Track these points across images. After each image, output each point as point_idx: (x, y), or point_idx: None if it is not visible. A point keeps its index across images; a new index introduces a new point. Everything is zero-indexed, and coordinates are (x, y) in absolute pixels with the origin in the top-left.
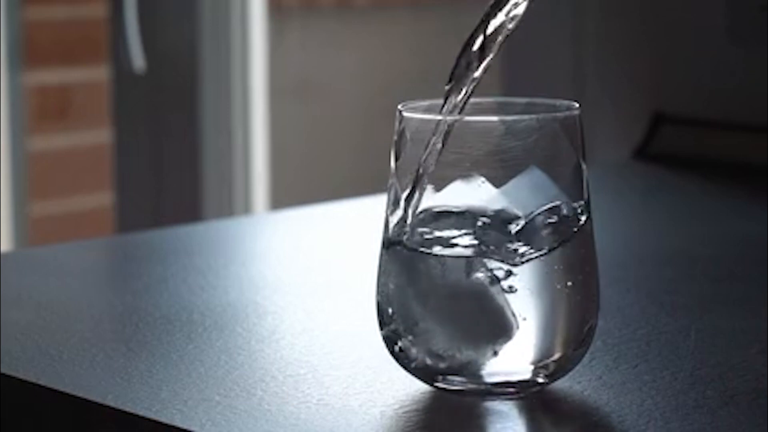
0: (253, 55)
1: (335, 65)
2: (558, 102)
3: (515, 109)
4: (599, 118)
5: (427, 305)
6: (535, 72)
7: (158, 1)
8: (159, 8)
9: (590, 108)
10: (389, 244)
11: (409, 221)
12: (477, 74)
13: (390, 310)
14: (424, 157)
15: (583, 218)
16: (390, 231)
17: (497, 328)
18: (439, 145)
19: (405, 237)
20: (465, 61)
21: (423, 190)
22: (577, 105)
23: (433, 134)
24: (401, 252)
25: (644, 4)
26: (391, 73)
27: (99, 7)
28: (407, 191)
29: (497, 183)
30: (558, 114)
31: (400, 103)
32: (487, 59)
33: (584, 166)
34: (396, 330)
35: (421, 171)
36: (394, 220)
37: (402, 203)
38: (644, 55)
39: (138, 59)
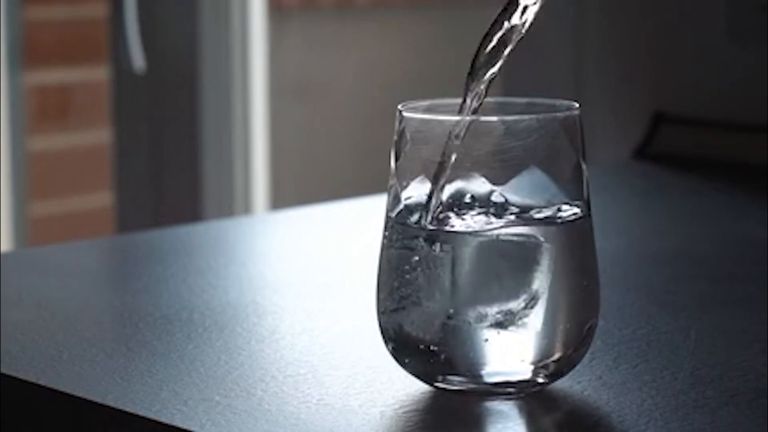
0: (253, 55)
1: (335, 65)
2: (558, 102)
3: (515, 109)
4: (599, 118)
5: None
6: (535, 72)
7: (158, 1)
8: (159, 8)
9: (590, 108)
10: (396, 236)
11: (432, 208)
12: (496, 69)
13: (403, 300)
14: (448, 153)
15: (583, 218)
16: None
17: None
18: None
19: (428, 221)
20: (483, 56)
21: (446, 181)
22: (577, 105)
23: (455, 131)
24: (419, 237)
25: (644, 4)
26: (391, 73)
27: (99, 7)
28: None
29: (497, 183)
30: (558, 114)
31: (400, 103)
32: (503, 56)
33: (584, 166)
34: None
35: (445, 165)
36: (395, 214)
37: (402, 195)
38: (644, 55)
39: (138, 59)
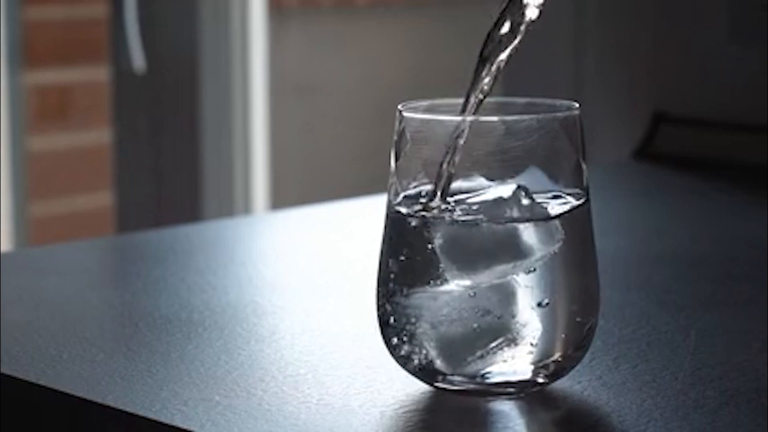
0: (253, 55)
1: (335, 65)
2: (558, 102)
3: (515, 109)
4: (599, 118)
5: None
6: (535, 72)
7: (158, 1)
8: (159, 8)
9: (590, 108)
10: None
11: (437, 198)
12: (503, 57)
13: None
14: (450, 151)
15: (584, 217)
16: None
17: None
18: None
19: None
20: (490, 47)
21: (450, 177)
22: (577, 105)
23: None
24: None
25: (644, 4)
26: (391, 73)
27: (99, 7)
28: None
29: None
30: (558, 114)
31: (400, 102)
32: (513, 45)
33: (584, 166)
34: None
35: (448, 162)
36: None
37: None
38: (644, 55)
39: (138, 59)
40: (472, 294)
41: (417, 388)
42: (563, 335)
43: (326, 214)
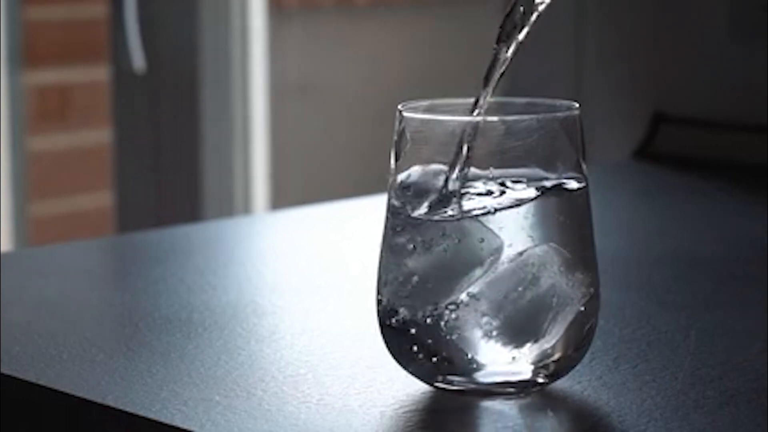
0: (253, 55)
1: (336, 65)
2: (558, 102)
3: (515, 109)
4: (599, 118)
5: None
6: (535, 72)
7: (158, 1)
8: (159, 8)
9: (590, 108)
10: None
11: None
12: (521, 37)
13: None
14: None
15: (583, 218)
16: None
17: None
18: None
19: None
20: (511, 22)
21: (467, 166)
22: (577, 105)
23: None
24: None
25: (644, 3)
26: (391, 73)
27: (99, 7)
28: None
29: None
30: (558, 114)
31: (400, 102)
32: (531, 22)
33: (584, 166)
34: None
35: (465, 151)
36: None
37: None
38: (644, 55)
39: (138, 59)
40: (470, 294)
41: (417, 388)
42: (563, 335)
43: (326, 214)
